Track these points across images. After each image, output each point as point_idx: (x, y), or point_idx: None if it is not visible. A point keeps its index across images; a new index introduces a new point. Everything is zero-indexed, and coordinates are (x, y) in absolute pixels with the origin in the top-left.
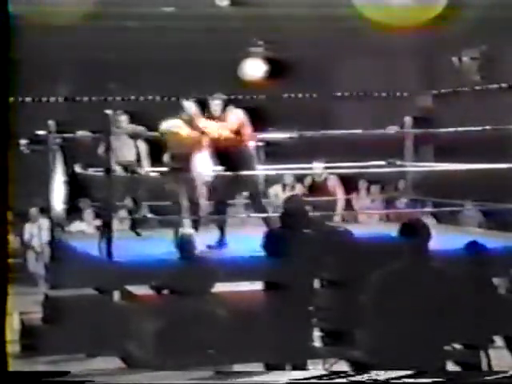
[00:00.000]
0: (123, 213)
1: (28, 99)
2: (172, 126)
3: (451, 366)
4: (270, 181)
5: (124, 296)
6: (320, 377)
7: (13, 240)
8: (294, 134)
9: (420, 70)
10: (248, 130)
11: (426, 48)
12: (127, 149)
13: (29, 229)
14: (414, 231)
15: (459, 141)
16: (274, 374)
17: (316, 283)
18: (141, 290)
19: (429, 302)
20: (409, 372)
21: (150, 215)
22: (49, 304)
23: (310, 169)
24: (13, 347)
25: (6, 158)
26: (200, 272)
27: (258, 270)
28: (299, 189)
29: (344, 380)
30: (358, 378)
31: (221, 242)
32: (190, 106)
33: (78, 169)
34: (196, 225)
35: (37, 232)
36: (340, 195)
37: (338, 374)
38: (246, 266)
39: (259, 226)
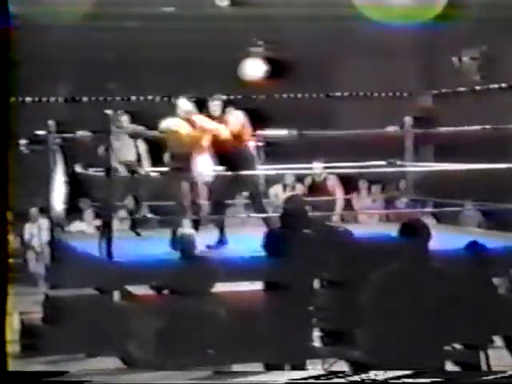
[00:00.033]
0: (123, 213)
1: (28, 99)
2: (172, 124)
3: (450, 366)
4: (271, 181)
5: (124, 296)
6: (319, 377)
7: (13, 240)
8: (294, 134)
9: (420, 69)
10: (248, 131)
11: (426, 48)
12: (127, 149)
13: (29, 229)
14: (413, 231)
15: (459, 141)
16: (274, 374)
17: (316, 283)
18: (141, 290)
19: (428, 302)
20: (408, 372)
21: (150, 215)
22: (49, 304)
23: (310, 169)
24: (13, 347)
25: (6, 158)
26: (200, 272)
27: (258, 269)
28: (299, 189)
29: (343, 380)
30: (357, 378)
31: (221, 242)
32: (184, 103)
33: (78, 169)
34: (196, 225)
35: (37, 232)
36: (339, 195)
37: (336, 374)
38: (246, 266)
39: (259, 226)
